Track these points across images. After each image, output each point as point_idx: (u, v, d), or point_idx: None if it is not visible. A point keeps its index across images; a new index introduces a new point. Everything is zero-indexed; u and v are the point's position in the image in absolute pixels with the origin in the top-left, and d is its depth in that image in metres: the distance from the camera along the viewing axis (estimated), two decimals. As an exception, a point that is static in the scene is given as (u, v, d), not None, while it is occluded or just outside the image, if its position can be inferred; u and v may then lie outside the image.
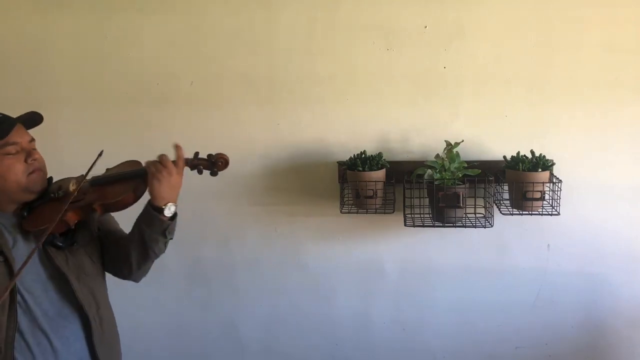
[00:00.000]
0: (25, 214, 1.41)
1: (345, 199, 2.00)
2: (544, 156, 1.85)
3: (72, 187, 1.43)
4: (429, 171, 1.85)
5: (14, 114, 2.15)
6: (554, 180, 1.84)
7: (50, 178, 1.48)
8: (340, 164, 2.02)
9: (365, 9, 1.95)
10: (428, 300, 2.13)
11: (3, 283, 1.32)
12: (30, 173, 1.38)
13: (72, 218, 1.41)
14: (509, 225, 1.98)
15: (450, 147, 1.86)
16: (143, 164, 1.45)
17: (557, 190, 1.83)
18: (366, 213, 1.96)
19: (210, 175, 1.47)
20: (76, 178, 1.48)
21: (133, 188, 1.43)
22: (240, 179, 2.11)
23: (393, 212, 1.98)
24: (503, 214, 1.90)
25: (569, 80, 1.91)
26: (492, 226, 1.87)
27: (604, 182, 1.95)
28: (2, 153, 1.34)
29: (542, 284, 2.06)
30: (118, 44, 2.08)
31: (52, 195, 1.43)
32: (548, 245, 2.03)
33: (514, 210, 1.88)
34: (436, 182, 1.83)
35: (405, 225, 1.90)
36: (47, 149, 2.14)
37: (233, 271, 2.19)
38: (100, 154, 1.43)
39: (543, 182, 1.81)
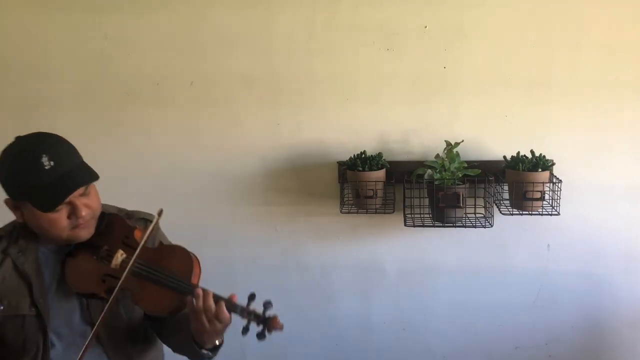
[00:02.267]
0: (71, 249, 1.33)
1: (345, 199, 2.00)
2: (544, 156, 1.85)
3: (115, 262, 1.31)
4: (429, 171, 1.85)
5: (14, 113, 2.16)
6: (554, 180, 1.84)
7: (103, 216, 1.36)
8: (340, 164, 2.02)
9: (365, 9, 1.95)
10: (428, 300, 2.13)
11: (33, 337, 1.30)
12: (74, 227, 1.27)
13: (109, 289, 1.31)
14: (509, 225, 1.98)
15: (450, 147, 1.86)
16: (191, 267, 1.30)
17: (557, 190, 1.83)
18: (366, 213, 1.96)
19: (256, 337, 1.27)
20: (125, 247, 1.33)
21: (175, 306, 1.28)
22: (240, 179, 2.11)
23: (393, 212, 1.98)
24: (503, 214, 1.90)
25: (569, 80, 1.91)
26: (492, 226, 1.87)
27: (604, 182, 1.95)
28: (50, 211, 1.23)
29: (542, 284, 2.06)
30: (118, 44, 2.08)
31: (94, 256, 1.32)
32: (548, 245, 2.03)
33: (514, 210, 1.88)
34: (436, 182, 1.83)
35: (405, 225, 1.90)
36: (47, 149, 2.16)
37: (233, 271, 2.19)
38: (160, 214, 1.31)
39: (543, 182, 1.81)
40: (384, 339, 2.18)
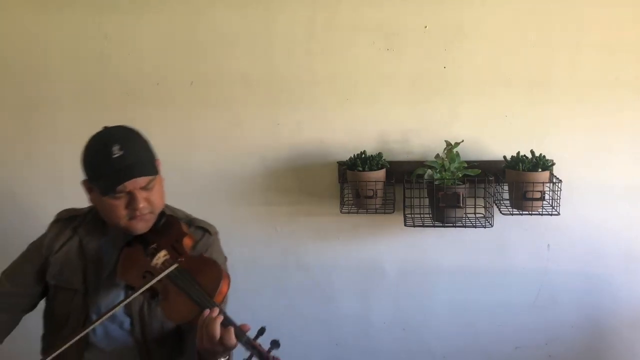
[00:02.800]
0: (131, 239, 1.41)
1: (345, 199, 2.00)
2: (544, 156, 1.85)
3: (156, 261, 1.36)
4: (429, 171, 1.85)
5: (14, 113, 2.16)
6: (554, 180, 1.84)
7: (162, 215, 1.43)
8: (340, 164, 2.02)
9: (365, 9, 1.95)
10: (428, 300, 2.13)
11: (77, 313, 1.40)
12: (131, 218, 1.35)
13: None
14: (509, 225, 1.98)
15: (450, 147, 1.86)
16: (218, 283, 1.30)
17: (557, 190, 1.83)
18: (366, 213, 1.96)
19: None
20: (170, 248, 1.38)
21: (186, 318, 1.27)
22: (240, 179, 2.11)
23: (393, 212, 1.98)
24: (503, 214, 1.90)
25: (569, 80, 1.91)
26: (492, 226, 1.87)
27: (604, 182, 1.95)
28: (110, 193, 1.32)
29: (542, 284, 2.06)
30: (118, 44, 2.08)
31: (148, 255, 1.38)
32: (548, 245, 2.03)
33: (514, 210, 1.88)
34: (436, 182, 1.83)
35: (405, 225, 1.90)
36: (46, 149, 2.16)
37: (233, 271, 2.18)
38: (206, 232, 1.49)
39: (543, 182, 1.81)
40: (384, 339, 2.18)
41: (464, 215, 1.87)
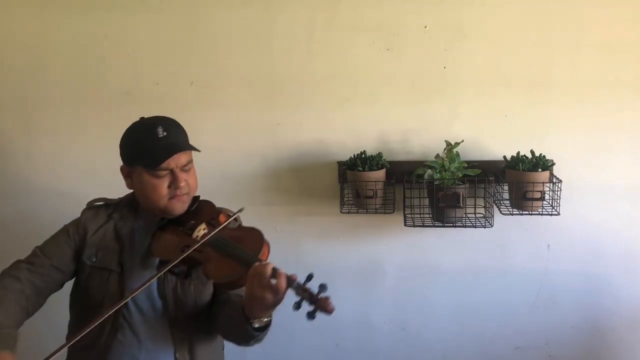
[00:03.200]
0: (164, 223, 1.47)
1: (345, 199, 2.00)
2: (544, 156, 1.85)
3: (197, 234, 1.43)
4: (429, 171, 1.85)
5: (14, 113, 2.16)
6: (554, 180, 1.84)
7: (196, 199, 1.52)
8: (340, 164, 2.02)
9: (365, 9, 1.95)
10: (428, 300, 2.12)
11: (112, 293, 1.43)
12: (171, 198, 1.43)
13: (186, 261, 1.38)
14: (509, 225, 1.98)
15: (450, 147, 1.86)
16: (260, 247, 1.36)
17: (557, 190, 1.83)
18: (366, 213, 1.96)
19: (306, 316, 1.26)
20: (207, 223, 1.46)
21: (235, 276, 1.31)
22: (240, 179, 2.11)
23: (393, 212, 1.98)
24: (503, 214, 1.90)
25: (569, 80, 1.91)
26: (492, 226, 1.87)
27: (604, 182, 1.95)
28: (151, 174, 1.41)
29: (542, 284, 2.05)
30: (118, 44, 2.08)
31: (181, 228, 1.46)
32: (548, 245, 2.03)
33: (514, 210, 1.88)
34: (436, 182, 1.83)
35: (405, 225, 1.90)
36: (47, 149, 2.16)
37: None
38: (240, 210, 1.50)
39: (543, 182, 1.81)
40: (384, 339, 2.18)
41: (464, 215, 1.87)
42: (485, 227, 1.86)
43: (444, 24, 1.93)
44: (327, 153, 2.06)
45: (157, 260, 1.44)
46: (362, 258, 2.12)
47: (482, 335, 2.12)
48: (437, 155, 1.89)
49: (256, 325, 1.30)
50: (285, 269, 2.17)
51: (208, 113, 2.08)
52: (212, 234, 1.40)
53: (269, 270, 1.21)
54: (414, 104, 1.98)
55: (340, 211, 1.98)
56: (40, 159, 2.18)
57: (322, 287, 1.24)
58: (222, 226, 1.43)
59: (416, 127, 2.00)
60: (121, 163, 1.49)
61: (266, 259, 1.36)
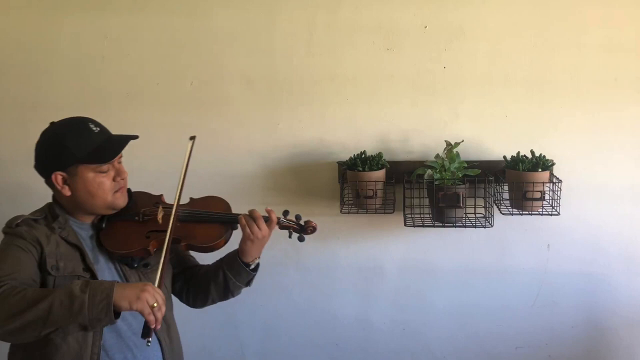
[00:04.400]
0: (103, 225, 1.44)
1: (345, 199, 1.99)
2: (544, 156, 1.85)
3: (158, 217, 1.45)
4: (429, 171, 1.85)
5: (14, 113, 2.16)
6: (554, 180, 1.84)
7: (129, 190, 1.49)
8: (340, 164, 2.02)
9: (365, 9, 1.95)
10: (428, 300, 2.12)
11: None
12: (116, 191, 1.42)
13: (154, 246, 1.42)
14: (509, 225, 1.98)
15: (450, 147, 1.86)
16: (229, 207, 1.54)
17: (557, 190, 1.83)
18: (366, 213, 1.96)
19: (297, 240, 1.53)
20: (163, 205, 1.50)
21: (225, 235, 1.47)
22: (240, 179, 2.11)
23: (393, 212, 1.98)
24: (503, 214, 1.90)
25: (569, 80, 1.91)
26: (492, 226, 1.87)
27: (604, 182, 1.95)
28: (96, 171, 1.38)
29: (542, 284, 2.05)
30: (118, 44, 2.08)
31: (136, 218, 1.45)
32: (548, 245, 2.03)
33: (514, 210, 1.88)
34: (436, 182, 1.83)
35: (405, 225, 1.90)
36: (47, 149, 2.16)
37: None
38: (192, 140, 1.54)
39: (543, 182, 1.81)
40: (384, 339, 2.18)
41: (464, 215, 1.87)
42: (485, 227, 1.86)
43: (444, 24, 1.93)
44: (327, 153, 2.06)
45: (114, 258, 1.43)
46: (362, 258, 2.12)
47: (482, 335, 2.12)
48: (437, 155, 1.89)
49: (253, 267, 1.52)
50: (286, 269, 2.19)
51: (208, 113, 2.08)
52: (175, 205, 1.42)
53: (259, 214, 1.46)
54: (414, 104, 1.98)
55: (340, 211, 1.98)
56: (40, 159, 2.18)
57: (298, 216, 1.55)
58: (177, 200, 1.44)
59: (416, 127, 2.00)
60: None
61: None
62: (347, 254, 2.12)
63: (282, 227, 1.50)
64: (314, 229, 1.54)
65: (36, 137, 2.22)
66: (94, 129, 1.40)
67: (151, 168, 2.12)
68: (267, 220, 1.47)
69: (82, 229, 1.43)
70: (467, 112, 1.97)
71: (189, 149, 1.54)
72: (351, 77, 1.99)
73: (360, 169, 1.89)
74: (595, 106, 1.91)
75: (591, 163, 1.94)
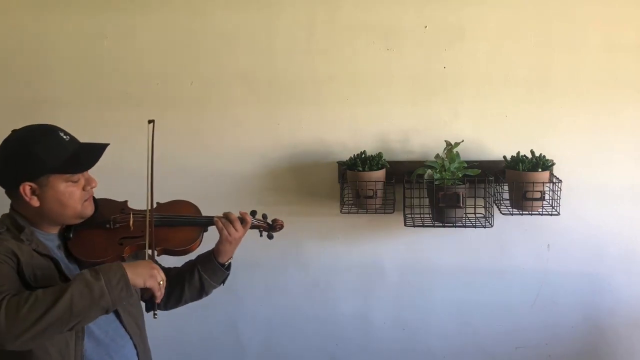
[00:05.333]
0: (70, 235, 1.41)
1: (345, 199, 1.99)
2: (544, 156, 1.85)
3: (131, 223, 1.44)
4: (429, 171, 1.85)
5: (14, 113, 2.16)
6: (554, 180, 1.84)
7: (93, 198, 1.46)
8: (340, 164, 2.02)
9: (365, 9, 1.95)
10: (428, 300, 2.13)
11: None
12: (85, 200, 1.39)
13: (127, 252, 1.42)
14: (509, 225, 1.98)
15: (450, 147, 1.86)
16: (198, 210, 1.58)
17: (557, 190, 1.83)
18: (366, 213, 1.96)
19: (267, 238, 1.61)
20: (133, 212, 1.48)
21: (200, 238, 1.50)
22: (240, 179, 2.11)
23: (393, 212, 1.98)
24: (503, 214, 1.90)
25: (569, 80, 1.91)
26: (492, 226, 1.87)
27: (604, 182, 1.95)
28: (68, 180, 1.34)
29: (542, 284, 2.06)
30: (118, 44, 2.08)
31: (107, 225, 1.44)
32: (548, 245, 2.03)
33: (514, 210, 1.88)
34: (436, 182, 1.83)
35: (405, 225, 1.90)
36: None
37: (233, 271, 2.18)
38: (151, 122, 1.50)
39: (543, 182, 1.81)
40: (384, 339, 2.18)
41: (464, 215, 1.87)
42: (485, 227, 1.86)
43: (444, 24, 1.93)
44: (327, 153, 2.06)
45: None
46: (362, 258, 2.12)
47: (482, 335, 2.12)
48: (437, 155, 1.89)
49: (226, 266, 1.58)
50: (285, 269, 2.19)
51: (208, 113, 2.08)
52: (149, 207, 1.42)
53: (235, 216, 1.52)
54: (414, 104, 1.98)
55: (340, 211, 1.98)
56: (40, 159, 2.18)
57: (265, 215, 1.62)
58: (151, 205, 1.44)
59: (416, 127, 2.00)
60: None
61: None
62: (347, 254, 2.12)
63: (253, 226, 1.56)
64: (281, 227, 1.62)
65: (36, 137, 2.22)
66: (64, 137, 1.35)
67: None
68: (242, 221, 1.52)
69: (49, 240, 1.39)
70: (467, 112, 1.97)
71: (150, 135, 1.50)
72: (351, 77, 1.99)
73: (360, 169, 1.89)
74: (595, 106, 1.91)
75: (591, 163, 1.94)
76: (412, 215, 1.91)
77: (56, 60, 2.11)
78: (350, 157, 1.95)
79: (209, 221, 1.52)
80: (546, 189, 1.84)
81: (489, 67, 1.93)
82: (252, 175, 2.10)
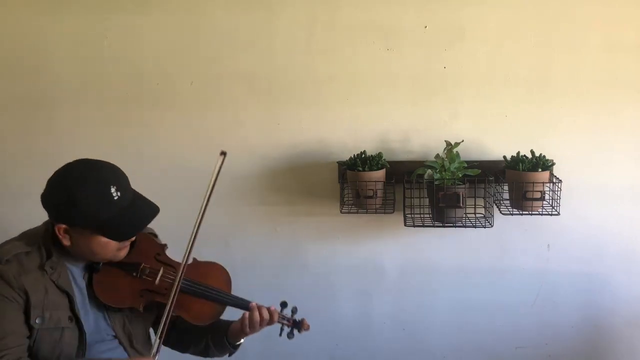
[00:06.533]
0: (99, 268, 1.38)
1: (345, 199, 1.99)
2: (544, 156, 1.85)
3: (158, 279, 1.40)
4: (429, 171, 1.85)
5: (14, 113, 2.16)
6: (554, 180, 1.84)
7: None
8: (340, 164, 2.02)
9: (365, 9, 1.95)
10: (428, 300, 2.13)
11: (68, 350, 1.32)
12: (120, 249, 1.36)
13: (143, 305, 1.40)
14: (509, 225, 1.98)
15: (450, 147, 1.86)
16: (229, 280, 1.53)
17: (557, 190, 1.83)
18: (366, 213, 1.96)
19: (286, 337, 1.54)
20: (165, 266, 1.43)
21: (218, 315, 1.47)
22: (240, 179, 2.11)
23: (393, 212, 1.98)
24: (503, 214, 1.90)
25: (569, 80, 1.91)
26: (492, 226, 1.87)
27: (604, 182, 1.95)
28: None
29: (542, 284, 2.06)
30: (118, 44, 2.07)
31: (134, 273, 1.40)
32: (548, 245, 2.03)
33: (514, 210, 1.88)
34: (436, 182, 1.83)
35: (405, 225, 1.90)
36: (47, 149, 2.16)
37: (233, 271, 2.17)
38: (223, 154, 1.50)
39: (543, 182, 1.81)
40: (384, 339, 2.18)
41: (464, 215, 1.87)
42: (485, 227, 1.86)
43: (444, 24, 1.92)
44: (327, 153, 2.06)
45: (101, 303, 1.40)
46: (362, 258, 2.12)
47: (482, 335, 2.12)
48: (437, 155, 1.89)
49: (237, 344, 1.54)
50: (285, 269, 2.19)
51: (208, 113, 2.08)
52: (176, 283, 1.37)
53: (267, 314, 1.46)
54: (414, 104, 1.98)
55: (340, 211, 1.98)
56: (40, 159, 2.18)
57: (294, 310, 1.53)
58: (182, 271, 1.38)
59: (416, 127, 2.00)
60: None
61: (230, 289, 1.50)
62: (347, 254, 2.12)
63: (278, 320, 1.51)
64: (307, 329, 1.55)
65: (36, 137, 2.24)
66: (114, 194, 1.26)
67: (151, 168, 2.13)
68: (270, 319, 1.48)
69: (76, 268, 1.38)
70: (467, 112, 1.97)
71: (217, 167, 1.50)
72: (351, 77, 1.99)
73: (360, 169, 1.89)
74: (595, 106, 1.91)
75: (591, 163, 1.94)
76: (412, 215, 1.91)
77: (56, 60, 2.11)
78: (350, 157, 1.95)
79: (244, 305, 1.48)
80: (546, 189, 1.84)
81: (489, 67, 1.93)
82: (252, 175, 2.10)
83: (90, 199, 1.25)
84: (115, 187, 1.27)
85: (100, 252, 1.32)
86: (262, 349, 2.25)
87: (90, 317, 1.38)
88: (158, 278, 1.40)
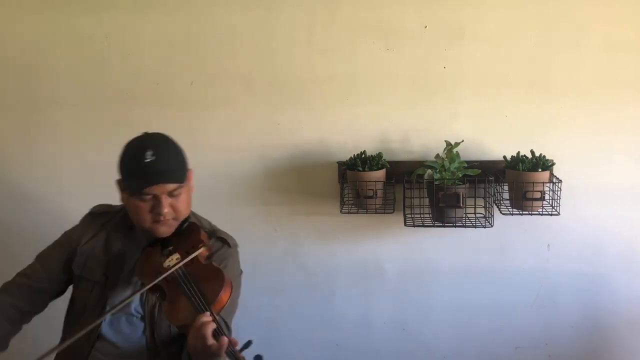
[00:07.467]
0: (153, 241, 1.46)
1: (345, 199, 2.00)
2: (544, 156, 1.85)
3: (168, 263, 1.40)
4: (429, 171, 1.85)
5: (14, 113, 2.16)
6: (554, 180, 1.84)
7: (186, 220, 1.49)
8: (340, 164, 2.02)
9: (365, 9, 1.95)
10: (428, 300, 2.13)
11: (93, 304, 1.46)
12: (155, 222, 1.41)
13: (149, 282, 1.38)
14: (509, 225, 1.98)
15: (450, 147, 1.86)
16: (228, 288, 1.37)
17: (557, 190, 1.83)
18: (366, 213, 1.96)
19: None
20: (184, 252, 1.42)
21: (183, 321, 1.31)
22: (240, 179, 2.11)
23: (393, 212, 1.98)
24: (503, 214, 1.90)
25: (569, 80, 1.91)
26: (492, 226, 1.87)
27: (604, 182, 1.95)
28: (132, 193, 1.39)
29: (542, 284, 2.06)
30: (118, 44, 2.08)
31: (164, 256, 1.42)
32: (548, 245, 2.03)
33: (514, 210, 1.88)
34: (436, 182, 1.83)
35: (405, 225, 1.90)
36: (47, 149, 2.16)
37: (233, 271, 2.19)
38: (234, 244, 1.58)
39: (543, 182, 1.81)
40: (384, 339, 2.18)
41: (464, 215, 1.87)
42: (485, 227, 1.86)
43: (444, 24, 1.92)
44: (327, 153, 2.06)
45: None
46: (362, 258, 2.12)
47: (482, 335, 2.12)
48: (437, 155, 1.89)
49: None
50: (285, 269, 2.19)
51: (208, 113, 2.08)
52: (172, 269, 1.36)
53: (208, 334, 1.22)
54: (414, 104, 1.98)
55: (340, 211, 1.98)
56: (40, 159, 2.18)
57: (257, 358, 1.28)
58: (180, 264, 1.37)
59: (416, 127, 2.00)
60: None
61: (221, 307, 1.35)
62: (347, 254, 2.12)
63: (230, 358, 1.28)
64: None
65: (36, 137, 2.23)
66: (148, 157, 1.35)
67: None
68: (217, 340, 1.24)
69: (139, 239, 1.50)
70: (467, 112, 1.97)
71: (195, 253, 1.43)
72: (351, 77, 1.99)
73: (360, 169, 1.89)
74: (595, 106, 1.91)
75: (591, 163, 1.94)
76: (412, 215, 1.91)
77: (56, 60, 2.11)
78: (350, 157, 1.95)
79: (201, 312, 1.29)
80: (546, 189, 1.84)
81: (489, 67, 1.93)
82: (252, 175, 2.10)
83: (128, 157, 1.40)
84: (151, 151, 1.37)
85: (134, 214, 1.42)
86: (262, 349, 2.25)
87: (127, 290, 1.46)
88: (167, 262, 1.40)
